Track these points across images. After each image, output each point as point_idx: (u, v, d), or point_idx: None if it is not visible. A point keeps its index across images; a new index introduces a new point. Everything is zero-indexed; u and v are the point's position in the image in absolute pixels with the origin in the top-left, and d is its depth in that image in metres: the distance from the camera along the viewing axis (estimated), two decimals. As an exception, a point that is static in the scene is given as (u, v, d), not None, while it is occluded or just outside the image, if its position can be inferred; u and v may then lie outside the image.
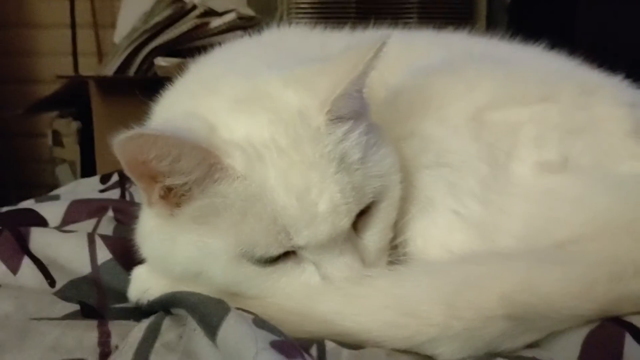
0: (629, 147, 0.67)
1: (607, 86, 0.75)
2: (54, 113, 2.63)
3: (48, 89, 2.47)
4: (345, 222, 0.58)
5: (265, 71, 0.64)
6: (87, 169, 2.26)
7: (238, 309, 0.55)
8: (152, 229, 0.63)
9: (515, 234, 0.63)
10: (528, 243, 0.62)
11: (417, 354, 0.55)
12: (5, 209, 0.93)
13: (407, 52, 0.82)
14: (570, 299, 0.55)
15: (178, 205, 0.58)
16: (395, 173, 0.63)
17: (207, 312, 0.52)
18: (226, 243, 0.57)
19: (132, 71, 2.03)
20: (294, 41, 0.85)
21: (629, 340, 0.52)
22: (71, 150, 2.46)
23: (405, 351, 0.55)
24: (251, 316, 0.52)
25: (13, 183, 2.66)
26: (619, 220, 0.61)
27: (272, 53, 0.77)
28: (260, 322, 0.50)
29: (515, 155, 0.66)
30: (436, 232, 0.65)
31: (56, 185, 1.59)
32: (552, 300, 0.55)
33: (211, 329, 0.50)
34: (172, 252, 0.60)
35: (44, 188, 1.51)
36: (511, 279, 0.56)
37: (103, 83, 2.06)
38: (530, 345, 0.56)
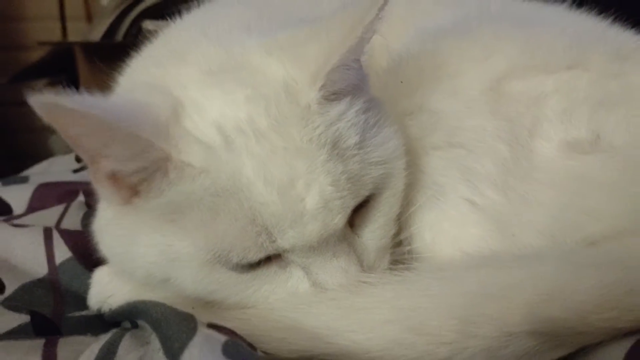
0: None
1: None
2: (44, 80, 2.53)
3: (37, 56, 2.37)
4: (339, 219, 0.48)
5: (244, 37, 0.54)
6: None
7: (210, 325, 0.45)
8: (108, 221, 0.53)
9: (540, 228, 0.53)
10: (555, 239, 0.53)
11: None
12: (-35, 193, 0.84)
13: (413, 11, 0.72)
14: (608, 309, 0.46)
15: (136, 194, 0.48)
16: (400, 158, 0.53)
17: (170, 334, 0.43)
18: (195, 247, 0.47)
19: (120, 35, 1.92)
20: None
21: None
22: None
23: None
24: (223, 338, 0.42)
25: (7, 153, 2.58)
26: None
27: (254, 14, 0.66)
28: (233, 348, 0.41)
29: (539, 133, 0.56)
30: (447, 226, 0.55)
31: (50, 155, 1.51)
32: (586, 312, 0.46)
33: (173, 356, 0.41)
34: (131, 252, 0.51)
35: (39, 158, 1.43)
36: (537, 287, 0.47)
37: (89, 48, 1.94)
38: (560, 360, 0.47)
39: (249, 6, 0.69)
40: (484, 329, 0.45)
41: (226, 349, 0.40)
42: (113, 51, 2.00)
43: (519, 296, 0.46)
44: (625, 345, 0.46)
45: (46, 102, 0.39)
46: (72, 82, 2.29)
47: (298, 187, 0.46)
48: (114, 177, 0.47)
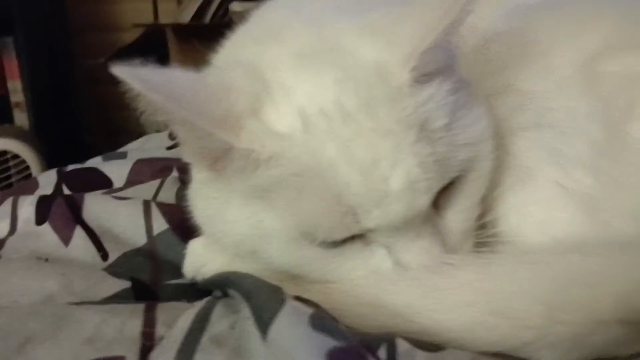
0: None
1: None
2: (137, 60, 2.65)
3: (130, 36, 2.48)
4: (424, 200, 0.48)
5: (336, 18, 0.54)
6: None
7: (297, 297, 0.48)
8: (201, 184, 0.56)
9: (633, 214, 0.51)
10: None
11: (508, 358, 0.46)
12: (71, 167, 0.90)
13: None
14: None
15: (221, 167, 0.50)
16: (488, 140, 0.53)
17: (260, 304, 0.45)
18: (283, 224, 0.49)
19: (207, 17, 1.98)
20: None
21: None
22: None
23: (494, 355, 0.46)
24: (310, 311, 0.44)
25: (105, 129, 2.74)
26: None
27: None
28: (319, 321, 0.42)
29: (635, 114, 0.54)
30: (534, 210, 0.54)
31: (143, 132, 1.61)
32: None
33: (262, 325, 0.43)
34: (221, 217, 0.53)
35: (131, 134, 1.51)
36: (628, 275, 0.45)
37: (179, 30, 2.02)
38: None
39: None
40: (572, 315, 0.44)
41: (313, 321, 0.42)
42: (203, 33, 2.07)
43: (609, 284, 0.45)
44: None
45: (120, 74, 0.43)
46: (164, 61, 2.39)
47: (382, 168, 0.46)
48: None
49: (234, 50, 0.61)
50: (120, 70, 0.43)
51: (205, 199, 0.56)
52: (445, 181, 0.50)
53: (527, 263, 0.49)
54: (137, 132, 2.05)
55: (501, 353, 0.46)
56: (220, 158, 0.49)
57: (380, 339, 0.45)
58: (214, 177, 0.52)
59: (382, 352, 0.43)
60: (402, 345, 0.44)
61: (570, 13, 0.60)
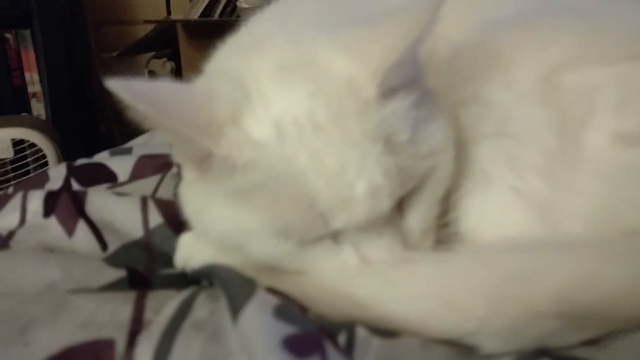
0: None
1: None
2: (150, 54, 2.72)
3: (143, 30, 2.55)
4: (386, 205, 0.53)
5: (314, 33, 0.59)
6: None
7: (269, 289, 0.53)
8: (189, 182, 0.61)
9: (582, 217, 0.56)
10: (596, 228, 0.55)
11: (456, 345, 0.51)
12: (80, 161, 0.97)
13: (479, 1, 0.73)
14: (636, 299, 0.49)
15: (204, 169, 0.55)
16: (448, 150, 0.57)
17: (233, 293, 0.51)
18: (261, 224, 0.54)
19: (216, 14, 2.03)
20: None
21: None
22: (167, 90, 2.55)
23: (443, 342, 0.51)
24: (276, 301, 0.50)
25: (118, 120, 2.81)
26: None
27: (325, 9, 0.71)
28: (282, 310, 0.48)
29: (590, 124, 0.57)
30: (492, 211, 0.59)
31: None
32: (613, 300, 0.49)
33: (234, 313, 0.49)
34: (207, 214, 0.58)
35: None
36: (568, 274, 0.50)
37: (189, 26, 2.07)
38: (588, 342, 0.50)
39: (321, 1, 0.75)
40: (511, 308, 0.49)
41: (277, 310, 0.48)
42: (211, 29, 2.12)
43: (547, 280, 0.50)
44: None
45: (112, 87, 0.47)
46: (176, 55, 2.46)
47: (348, 175, 0.51)
48: None
49: (222, 59, 0.67)
50: (113, 84, 0.48)
51: (193, 197, 0.61)
52: (407, 188, 0.55)
53: (476, 260, 0.54)
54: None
55: (450, 340, 0.51)
56: (204, 161, 0.54)
57: (341, 326, 0.50)
58: (201, 177, 0.57)
59: (342, 338, 0.49)
60: (360, 332, 0.50)
61: (536, 28, 0.64)
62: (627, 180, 0.56)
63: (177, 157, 0.61)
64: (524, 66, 0.61)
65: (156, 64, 2.70)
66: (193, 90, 0.57)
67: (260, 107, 0.54)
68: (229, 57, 0.67)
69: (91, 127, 2.69)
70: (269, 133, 0.52)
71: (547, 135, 0.58)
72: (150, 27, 2.39)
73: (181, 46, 2.08)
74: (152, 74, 2.63)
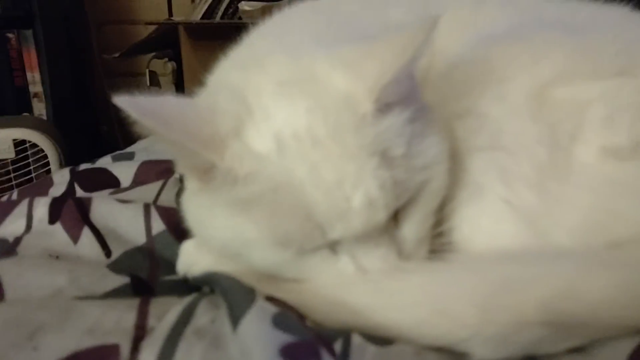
0: None
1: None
2: (151, 54, 2.73)
3: (145, 31, 2.56)
4: (382, 216, 0.55)
5: (312, 49, 0.61)
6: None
7: (268, 297, 0.55)
8: (193, 192, 0.62)
9: (570, 229, 0.58)
10: (584, 239, 0.57)
11: (448, 352, 0.53)
12: (82, 166, 0.99)
13: (476, 15, 0.76)
14: (617, 308, 0.51)
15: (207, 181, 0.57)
16: (442, 163, 0.59)
17: (233, 302, 0.53)
18: (261, 235, 0.56)
19: (218, 16, 2.04)
20: (352, 7, 0.80)
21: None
22: (167, 89, 2.57)
23: (436, 349, 0.53)
24: (275, 310, 0.52)
25: (118, 120, 2.83)
26: None
27: (324, 24, 0.73)
28: (281, 319, 0.50)
29: (579, 138, 0.60)
30: (484, 222, 0.61)
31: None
32: (596, 309, 0.51)
33: (234, 321, 0.51)
34: (209, 224, 0.60)
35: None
36: (553, 283, 0.52)
37: (191, 28, 2.09)
38: (573, 350, 0.52)
39: (320, 15, 0.77)
40: (500, 316, 0.51)
41: (275, 318, 0.50)
42: (213, 31, 2.13)
43: (534, 290, 0.52)
44: (636, 340, 0.50)
45: (119, 104, 0.50)
46: (177, 56, 2.47)
47: (345, 188, 0.53)
48: None
49: (224, 74, 0.69)
50: (120, 101, 0.50)
51: (195, 207, 0.63)
52: (403, 201, 0.57)
53: (468, 270, 0.56)
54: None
55: (442, 348, 0.53)
56: (207, 173, 0.56)
57: (337, 333, 0.52)
58: (204, 188, 0.59)
59: (337, 345, 0.51)
60: (356, 339, 0.52)
61: (529, 44, 0.66)
62: (614, 193, 0.58)
63: (180, 169, 0.63)
64: (516, 80, 0.63)
65: (157, 64, 2.71)
66: (196, 105, 0.59)
67: (262, 121, 0.56)
68: (231, 71, 0.69)
69: (93, 128, 2.70)
70: (270, 146, 0.54)
71: (538, 148, 0.60)
72: (151, 28, 2.40)
73: (183, 48, 2.09)
74: (153, 74, 2.64)
